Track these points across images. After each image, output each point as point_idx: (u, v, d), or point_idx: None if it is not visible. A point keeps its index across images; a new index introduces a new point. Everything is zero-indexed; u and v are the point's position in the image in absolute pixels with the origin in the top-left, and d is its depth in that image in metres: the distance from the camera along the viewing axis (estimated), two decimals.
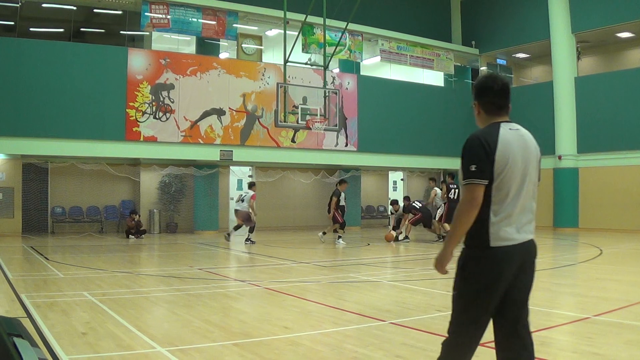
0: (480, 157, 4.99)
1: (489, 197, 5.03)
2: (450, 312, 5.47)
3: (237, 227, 26.00)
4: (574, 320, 10.29)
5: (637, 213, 32.90)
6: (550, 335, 9.05)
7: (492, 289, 5.06)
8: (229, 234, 25.89)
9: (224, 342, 8.51)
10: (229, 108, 31.57)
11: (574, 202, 35.88)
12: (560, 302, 12.48)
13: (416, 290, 13.78)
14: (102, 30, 33.57)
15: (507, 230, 5.03)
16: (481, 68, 43.02)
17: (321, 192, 36.57)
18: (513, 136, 5.16)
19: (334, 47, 29.94)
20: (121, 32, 31.74)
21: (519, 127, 5.36)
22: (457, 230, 5.11)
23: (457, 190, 26.19)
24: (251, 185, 26.21)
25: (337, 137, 34.75)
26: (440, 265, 5.37)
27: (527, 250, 5.21)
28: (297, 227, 35.86)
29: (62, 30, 31.04)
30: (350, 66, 37.56)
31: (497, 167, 4.99)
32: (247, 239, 25.47)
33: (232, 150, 31.43)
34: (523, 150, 5.16)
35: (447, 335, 5.48)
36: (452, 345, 5.44)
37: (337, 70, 36.94)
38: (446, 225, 26.54)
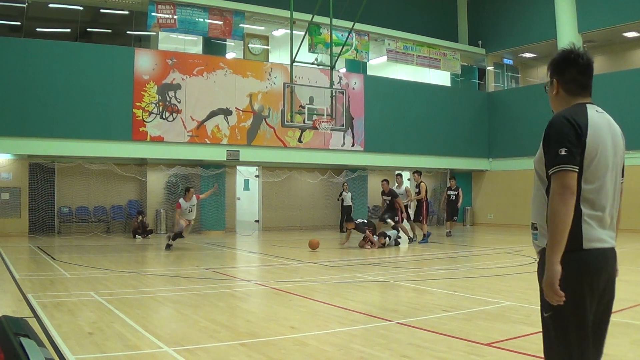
0: (570, 139, 4.22)
1: (579, 189, 4.24)
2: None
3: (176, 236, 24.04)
4: None
5: None
6: None
7: (589, 307, 4.23)
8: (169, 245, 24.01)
9: (231, 342, 8.51)
10: (236, 108, 31.58)
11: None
12: None
13: (423, 290, 13.77)
14: (109, 31, 33.62)
15: (601, 231, 4.30)
16: (488, 68, 43.04)
17: (328, 192, 36.61)
18: (602, 120, 4.46)
19: (341, 47, 29.92)
20: (128, 32, 31.82)
21: (602, 110, 4.62)
22: (558, 231, 4.13)
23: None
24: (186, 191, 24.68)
25: (344, 137, 34.74)
26: (551, 287, 4.13)
27: (615, 260, 4.43)
28: (303, 227, 35.84)
29: (68, 30, 31.11)
30: (357, 66, 37.58)
31: (588, 154, 4.25)
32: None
33: (238, 150, 31.44)
34: (612, 138, 4.46)
35: None
36: None
37: (343, 70, 36.94)
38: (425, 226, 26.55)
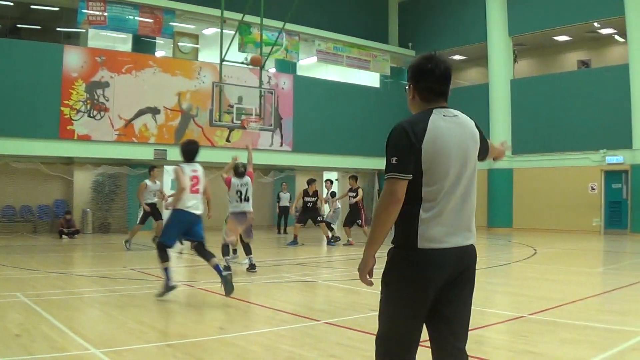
0: (403, 149, 4.50)
1: (419, 193, 4.51)
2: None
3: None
4: (509, 319, 10.41)
5: (570, 213, 33.47)
6: (485, 334, 9.15)
7: (419, 297, 4.55)
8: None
9: (158, 343, 8.50)
10: (164, 107, 31.37)
11: (508, 202, 36.37)
12: (495, 301, 12.61)
13: (350, 289, 13.84)
14: (39, 27, 33.15)
15: (439, 231, 4.51)
16: None
17: (255, 192, 36.48)
18: (447, 124, 4.64)
19: (271, 47, 29.99)
20: (57, 29, 31.44)
21: (457, 113, 4.84)
22: (376, 231, 4.60)
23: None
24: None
25: (272, 137, 34.72)
26: (362, 274, 4.79)
27: (463, 258, 4.72)
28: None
29: None
30: (287, 66, 37.57)
31: (424, 160, 4.48)
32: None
33: (166, 150, 31.25)
34: (459, 140, 4.65)
35: (376, 346, 4.84)
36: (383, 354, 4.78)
37: (273, 70, 36.94)
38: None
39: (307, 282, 15.30)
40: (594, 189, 33.11)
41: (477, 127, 4.94)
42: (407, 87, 4.96)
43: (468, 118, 4.91)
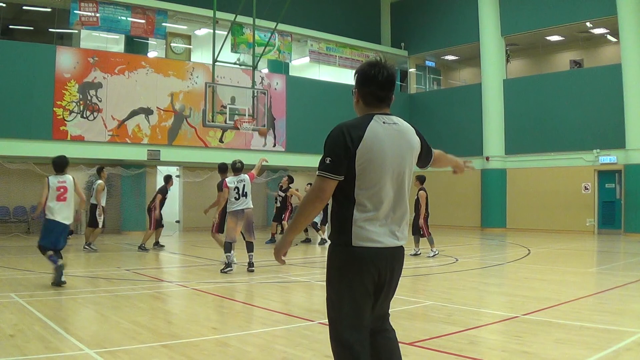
0: (338, 150, 4.73)
1: (352, 194, 4.79)
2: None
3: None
4: (503, 319, 10.41)
5: (563, 213, 33.53)
6: (479, 334, 9.16)
7: (357, 288, 4.81)
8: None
9: (152, 344, 8.47)
10: (157, 107, 31.33)
11: (502, 202, 36.40)
12: (488, 302, 12.64)
13: None
14: (31, 28, 33.08)
15: (372, 231, 4.79)
16: (410, 70, 43.42)
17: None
18: (385, 130, 4.85)
19: (263, 48, 30.00)
20: (50, 29, 31.38)
21: (397, 120, 5.01)
22: (299, 221, 5.01)
23: None
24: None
25: (265, 138, 34.70)
26: (277, 254, 5.28)
27: (395, 258, 4.98)
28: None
29: None
30: (279, 67, 37.55)
31: (358, 163, 4.72)
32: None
33: (159, 150, 31.22)
34: (396, 147, 4.87)
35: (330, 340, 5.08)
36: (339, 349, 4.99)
37: (265, 71, 36.93)
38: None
39: (302, 282, 15.31)
40: (587, 189, 33.15)
41: (419, 134, 5.18)
42: (352, 91, 5.20)
43: (409, 126, 5.10)
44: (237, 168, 17.07)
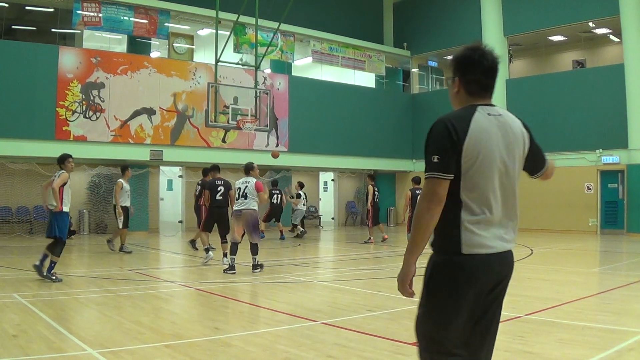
0: (445, 146, 4.18)
1: (457, 194, 4.23)
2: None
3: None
4: (506, 319, 10.37)
5: (566, 213, 33.50)
6: None
7: (464, 305, 4.28)
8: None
9: (155, 344, 8.47)
10: (160, 108, 31.35)
11: None
12: None
13: (347, 290, 13.86)
14: (34, 28, 33.08)
15: (483, 236, 4.25)
16: (412, 70, 43.42)
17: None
18: (491, 123, 4.37)
19: (266, 48, 29.94)
20: (52, 30, 31.39)
21: (502, 111, 4.57)
22: (419, 235, 4.26)
23: (378, 194, 26.47)
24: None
25: (268, 138, 34.77)
26: (402, 283, 4.49)
27: (505, 264, 4.43)
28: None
29: None
30: (282, 67, 37.54)
31: (465, 160, 4.20)
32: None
33: (162, 150, 31.25)
34: (504, 141, 4.39)
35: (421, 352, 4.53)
36: None
37: (268, 71, 36.92)
38: (373, 229, 26.83)
39: (304, 282, 15.29)
40: (590, 189, 33.13)
41: (527, 127, 4.79)
42: (450, 81, 4.69)
43: (514, 118, 4.67)
44: (245, 170, 17.21)
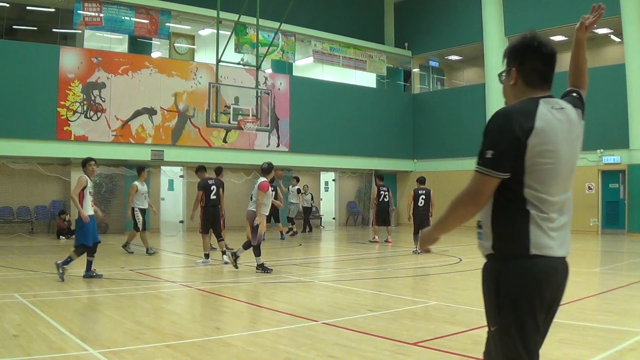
0: (504, 141, 3.82)
1: (522, 193, 3.86)
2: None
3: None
4: None
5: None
6: (483, 334, 9.02)
7: (537, 314, 3.92)
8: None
9: (156, 344, 8.48)
10: (161, 107, 31.36)
11: None
12: None
13: (348, 290, 13.85)
14: (35, 28, 33.08)
15: (550, 237, 3.89)
16: (413, 70, 43.43)
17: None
18: (556, 118, 3.99)
19: (267, 48, 29.95)
20: (53, 30, 31.38)
21: (564, 104, 4.20)
22: (450, 222, 4.08)
23: (387, 193, 26.43)
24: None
25: (269, 138, 34.78)
26: (425, 244, 4.32)
27: (565, 271, 4.13)
28: (229, 227, 35.55)
29: None
30: (283, 67, 37.56)
31: (529, 157, 3.82)
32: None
33: (163, 150, 31.25)
34: (568, 137, 4.04)
35: None
36: None
37: (269, 71, 36.93)
38: (376, 228, 26.87)
39: (305, 282, 15.29)
40: (591, 189, 33.11)
41: (583, 114, 4.46)
42: (504, 73, 4.37)
43: (572, 109, 4.28)
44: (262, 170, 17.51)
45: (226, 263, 18.07)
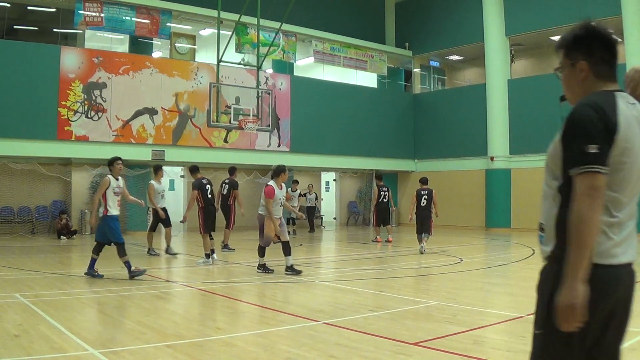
0: (601, 134, 3.39)
1: None
2: None
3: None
4: (508, 319, 10.39)
5: None
6: (484, 334, 9.14)
7: (591, 324, 3.48)
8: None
9: (157, 344, 8.47)
10: (161, 107, 31.35)
11: (506, 202, 36.29)
12: (493, 302, 12.63)
13: (348, 290, 13.85)
14: (36, 28, 33.08)
15: (615, 244, 3.50)
16: (414, 70, 43.42)
17: (254, 193, 36.46)
18: (632, 114, 3.57)
19: (268, 48, 29.96)
20: (54, 30, 31.38)
21: (633, 100, 3.72)
22: (582, 242, 3.34)
23: (387, 193, 26.46)
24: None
25: (270, 138, 34.76)
26: (571, 313, 3.36)
27: (632, 278, 3.66)
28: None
29: None
30: (284, 67, 37.57)
31: (615, 155, 3.43)
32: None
33: (164, 150, 31.24)
34: None
35: None
36: None
37: (270, 71, 36.94)
38: (378, 228, 26.94)
39: (306, 282, 15.27)
40: None
41: None
42: (558, 71, 4.04)
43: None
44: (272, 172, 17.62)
45: (205, 263, 18.25)
